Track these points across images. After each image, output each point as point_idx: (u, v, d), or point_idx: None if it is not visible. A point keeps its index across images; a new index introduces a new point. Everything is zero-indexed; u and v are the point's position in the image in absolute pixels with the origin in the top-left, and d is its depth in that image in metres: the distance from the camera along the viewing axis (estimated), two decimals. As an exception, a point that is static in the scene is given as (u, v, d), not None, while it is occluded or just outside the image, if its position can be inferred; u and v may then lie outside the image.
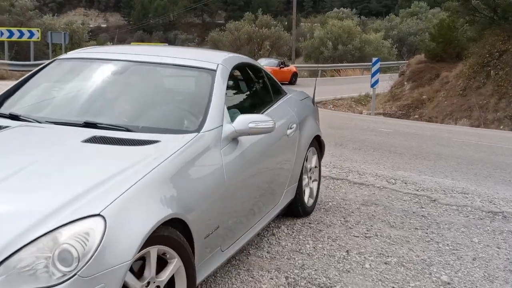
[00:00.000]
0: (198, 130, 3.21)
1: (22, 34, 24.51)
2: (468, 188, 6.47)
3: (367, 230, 4.79)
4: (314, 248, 4.29)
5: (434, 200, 5.88)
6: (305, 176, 4.85)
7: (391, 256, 4.19)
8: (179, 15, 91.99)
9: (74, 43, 33.62)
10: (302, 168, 4.69)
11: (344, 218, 5.10)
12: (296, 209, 4.82)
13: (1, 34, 24.03)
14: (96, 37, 54.96)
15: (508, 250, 4.48)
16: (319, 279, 3.71)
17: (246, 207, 3.62)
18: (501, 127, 17.15)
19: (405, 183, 6.58)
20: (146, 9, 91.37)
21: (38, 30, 25.32)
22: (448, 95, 20.04)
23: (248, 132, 3.37)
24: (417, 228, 4.92)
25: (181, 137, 3.11)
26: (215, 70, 3.69)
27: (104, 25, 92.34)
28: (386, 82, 23.70)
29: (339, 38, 45.87)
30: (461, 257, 4.26)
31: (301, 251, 4.20)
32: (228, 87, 3.76)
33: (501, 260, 4.25)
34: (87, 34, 37.51)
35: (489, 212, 5.55)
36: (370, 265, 4.01)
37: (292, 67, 31.07)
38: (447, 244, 4.53)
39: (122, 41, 61.98)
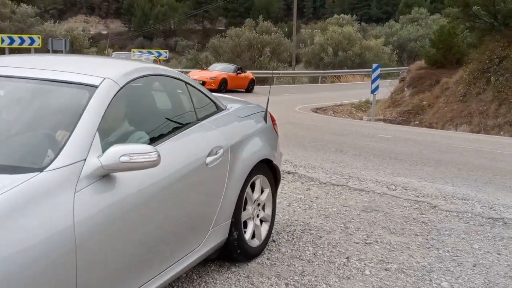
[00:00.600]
0: (42, 168, 2.42)
1: (23, 41, 24.58)
2: (468, 194, 6.47)
3: (367, 237, 4.78)
4: (314, 254, 4.28)
5: (435, 207, 5.87)
6: (248, 210, 3.95)
7: (391, 263, 4.19)
8: (179, 21, 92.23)
9: (75, 50, 33.69)
10: (242, 201, 3.80)
11: (344, 225, 5.10)
12: (232, 251, 3.83)
13: (2, 41, 24.08)
14: (97, 43, 55.12)
15: (509, 256, 4.47)
16: (319, 285, 3.70)
17: (121, 265, 2.68)
18: (501, 133, 17.14)
19: (406, 189, 6.57)
20: (146, 16, 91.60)
21: (39, 37, 25.39)
22: (448, 101, 20.05)
23: (120, 168, 2.57)
24: (417, 235, 4.92)
25: (11, 178, 2.31)
26: (96, 86, 2.87)
27: (104, 32, 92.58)
28: (386, 88, 23.72)
29: (339, 44, 45.99)
30: (462, 264, 4.25)
31: (301, 257, 4.20)
32: (131, 106, 3.17)
33: (501, 266, 4.24)
34: (88, 40, 37.64)
35: (489, 218, 5.54)
36: (370, 271, 4.00)
37: (249, 74, 28.34)
38: (448, 251, 4.53)
39: (122, 47, 62.12)
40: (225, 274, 3.78)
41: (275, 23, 54.61)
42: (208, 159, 3.41)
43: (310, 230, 4.89)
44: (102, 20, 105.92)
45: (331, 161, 8.19)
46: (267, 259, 4.13)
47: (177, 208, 3.14)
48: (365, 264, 4.14)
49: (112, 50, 25.49)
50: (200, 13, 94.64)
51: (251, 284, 3.67)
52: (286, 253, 4.29)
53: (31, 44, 24.60)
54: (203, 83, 23.64)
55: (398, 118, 20.90)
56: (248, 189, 3.91)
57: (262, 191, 4.18)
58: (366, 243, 4.61)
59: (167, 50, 35.54)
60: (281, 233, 4.76)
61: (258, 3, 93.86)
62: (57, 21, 48.44)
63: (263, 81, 38.29)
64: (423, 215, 5.54)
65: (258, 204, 4.14)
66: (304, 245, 4.47)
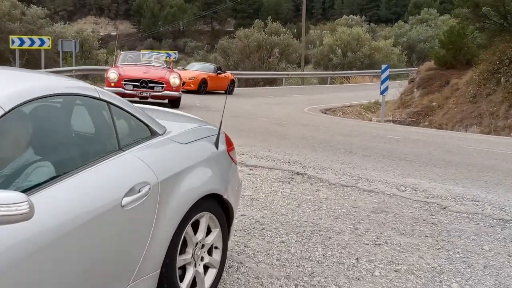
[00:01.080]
0: None
1: (33, 42, 24.66)
2: (478, 196, 6.44)
3: (377, 238, 4.77)
4: (324, 255, 4.28)
5: (445, 208, 5.85)
6: (186, 257, 3.17)
7: (401, 264, 4.18)
8: (188, 22, 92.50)
9: (85, 51, 33.81)
10: (177, 246, 3.05)
11: (354, 226, 5.09)
12: None
13: (12, 42, 24.19)
14: (106, 45, 55.34)
15: (520, 258, 4.45)
16: (329, 287, 3.70)
17: None
18: (511, 134, 17.06)
19: (415, 191, 6.55)
20: (155, 17, 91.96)
21: (49, 38, 25.46)
22: (458, 102, 19.98)
23: None
24: (427, 236, 4.90)
25: None
26: None
27: (114, 33, 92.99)
28: (395, 89, 23.68)
29: (348, 45, 45.91)
30: (472, 265, 4.23)
31: (310, 258, 4.20)
32: (34, 132, 2.58)
33: (512, 268, 4.22)
34: (97, 42, 37.77)
35: (500, 219, 5.51)
36: (380, 272, 3.99)
37: (229, 74, 25.88)
38: (458, 252, 4.51)
39: (132, 48, 62.37)
40: (234, 275, 3.79)
41: (284, 24, 54.63)
42: (126, 200, 2.67)
43: (319, 231, 4.88)
44: (112, 21, 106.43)
45: (340, 162, 8.18)
46: (277, 259, 4.13)
47: (74, 265, 2.40)
48: (374, 265, 4.13)
49: (120, 50, 25.40)
50: (209, 14, 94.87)
51: (261, 285, 3.67)
52: (296, 254, 4.28)
53: (41, 45, 24.69)
54: (182, 84, 22.62)
55: (408, 119, 20.84)
56: (189, 229, 3.16)
57: (209, 232, 3.41)
58: (375, 244, 4.60)
59: (176, 51, 35.58)
60: (290, 234, 4.76)
61: (267, 4, 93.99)
62: (67, 22, 48.62)
63: (272, 82, 38.33)
64: (433, 217, 5.52)
65: (203, 246, 3.33)
66: (313, 246, 4.47)
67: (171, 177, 3.02)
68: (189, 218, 3.12)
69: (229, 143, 3.84)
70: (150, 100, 15.78)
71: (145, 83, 15.27)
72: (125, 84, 15.14)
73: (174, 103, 15.93)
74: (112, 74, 15.19)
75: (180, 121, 3.86)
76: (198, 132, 3.61)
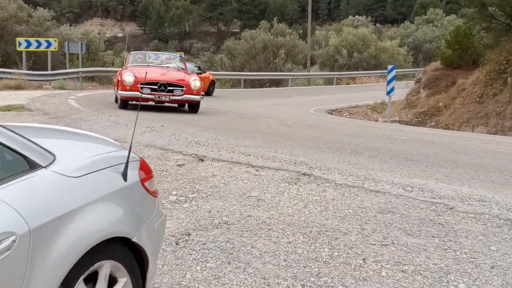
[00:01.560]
0: None
1: (39, 44, 24.78)
2: (485, 196, 6.42)
3: (384, 238, 4.77)
4: (331, 256, 4.28)
5: (451, 208, 5.84)
6: None
7: (408, 264, 4.17)
8: (194, 24, 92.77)
9: (91, 53, 33.91)
10: None
11: (361, 226, 5.08)
12: None
13: (19, 44, 24.33)
14: (113, 46, 55.48)
15: (527, 258, 4.44)
16: (336, 287, 3.70)
17: None
18: (518, 134, 16.99)
19: (422, 191, 6.53)
20: (161, 19, 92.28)
21: (55, 40, 25.58)
22: (464, 102, 19.92)
23: None
24: (434, 236, 4.89)
25: None
26: None
27: (120, 35, 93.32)
28: (402, 90, 23.63)
29: (354, 45, 45.90)
30: (479, 266, 4.22)
31: (317, 259, 4.20)
32: None
33: (519, 268, 4.21)
34: (104, 43, 37.83)
35: (507, 220, 5.49)
36: (387, 273, 3.99)
37: (208, 74, 24.93)
38: (465, 252, 4.50)
39: (138, 50, 62.56)
40: (241, 276, 3.79)
41: (290, 25, 54.66)
42: None
43: (326, 231, 4.88)
44: (118, 23, 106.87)
45: (347, 163, 8.17)
46: (284, 260, 4.13)
47: None
48: (381, 265, 4.13)
49: (127, 52, 25.41)
50: (214, 16, 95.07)
51: (268, 285, 3.67)
52: (302, 254, 4.29)
53: (48, 47, 24.80)
54: None
55: (414, 120, 20.81)
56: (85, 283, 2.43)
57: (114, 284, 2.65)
58: (382, 245, 4.60)
59: (182, 53, 35.58)
60: (297, 234, 4.76)
61: (273, 5, 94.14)
62: (73, 24, 48.77)
63: (278, 83, 38.33)
64: (440, 217, 5.51)
65: None
66: (320, 247, 4.47)
67: (51, 222, 2.28)
68: (82, 271, 2.40)
69: (146, 171, 3.06)
70: (167, 105, 15.00)
71: (163, 87, 14.17)
72: (141, 87, 13.97)
73: (193, 107, 15.00)
74: (128, 77, 14.02)
75: (82, 146, 3.08)
76: (100, 160, 2.81)
